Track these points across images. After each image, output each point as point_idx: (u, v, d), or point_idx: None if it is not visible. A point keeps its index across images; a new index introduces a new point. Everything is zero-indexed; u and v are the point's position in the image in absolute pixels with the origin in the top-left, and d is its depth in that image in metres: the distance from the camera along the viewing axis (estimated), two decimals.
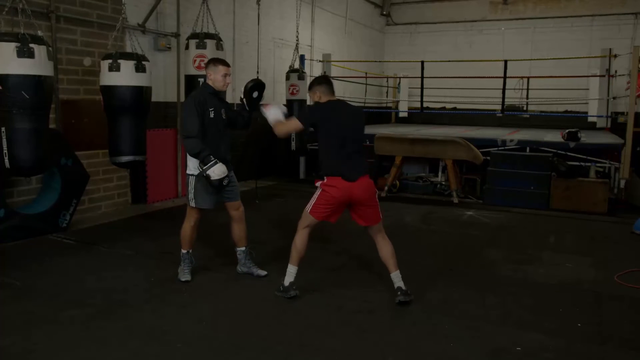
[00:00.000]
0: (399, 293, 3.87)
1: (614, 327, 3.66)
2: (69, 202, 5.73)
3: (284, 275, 3.98)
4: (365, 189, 3.82)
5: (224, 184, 4.04)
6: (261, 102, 4.38)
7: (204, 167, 3.96)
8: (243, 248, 4.45)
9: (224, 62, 4.27)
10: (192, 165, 4.15)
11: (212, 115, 4.12)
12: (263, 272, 4.43)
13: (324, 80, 4.05)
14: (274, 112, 4.03)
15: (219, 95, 4.31)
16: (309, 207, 3.89)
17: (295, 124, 3.92)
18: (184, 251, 4.35)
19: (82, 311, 3.66)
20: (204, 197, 4.17)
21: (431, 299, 4.03)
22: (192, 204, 4.21)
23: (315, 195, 3.87)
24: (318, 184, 3.87)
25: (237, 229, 4.40)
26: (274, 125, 4.00)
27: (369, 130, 6.24)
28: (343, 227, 4.86)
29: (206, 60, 4.82)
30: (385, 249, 3.94)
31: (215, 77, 4.19)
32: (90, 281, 4.27)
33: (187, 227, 4.31)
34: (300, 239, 3.92)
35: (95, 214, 6.50)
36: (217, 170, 3.96)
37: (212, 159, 3.96)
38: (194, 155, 4.03)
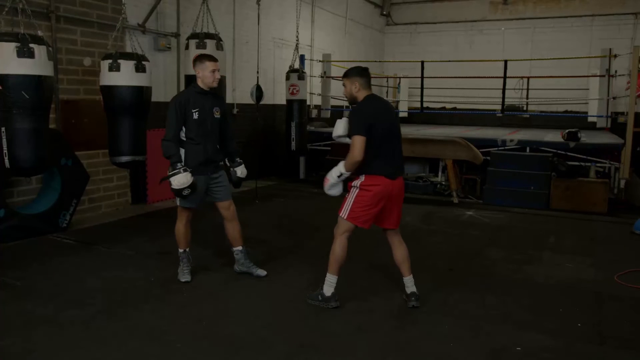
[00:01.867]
0: (412, 298, 3.85)
1: (614, 327, 3.67)
2: (69, 202, 5.73)
3: (322, 283, 3.82)
4: (401, 188, 3.80)
5: (184, 194, 4.01)
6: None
7: (169, 173, 3.97)
8: (240, 248, 4.42)
9: (210, 58, 4.18)
10: None
11: (195, 116, 4.07)
12: (263, 272, 4.42)
13: (365, 73, 3.78)
14: (340, 131, 3.72)
15: (210, 93, 4.19)
16: (345, 212, 3.69)
17: (359, 140, 3.55)
18: (180, 250, 4.35)
19: (82, 311, 3.67)
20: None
21: (431, 299, 4.03)
22: (178, 202, 4.23)
23: (352, 198, 3.68)
24: (356, 183, 3.69)
25: (231, 229, 4.37)
26: (348, 157, 3.61)
27: None
28: None
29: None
30: (400, 252, 3.89)
31: (203, 74, 4.11)
32: (90, 281, 4.28)
33: (180, 226, 4.33)
34: (339, 247, 3.73)
35: (95, 214, 6.50)
36: (177, 180, 3.95)
37: (179, 167, 3.96)
38: (167, 158, 4.04)
